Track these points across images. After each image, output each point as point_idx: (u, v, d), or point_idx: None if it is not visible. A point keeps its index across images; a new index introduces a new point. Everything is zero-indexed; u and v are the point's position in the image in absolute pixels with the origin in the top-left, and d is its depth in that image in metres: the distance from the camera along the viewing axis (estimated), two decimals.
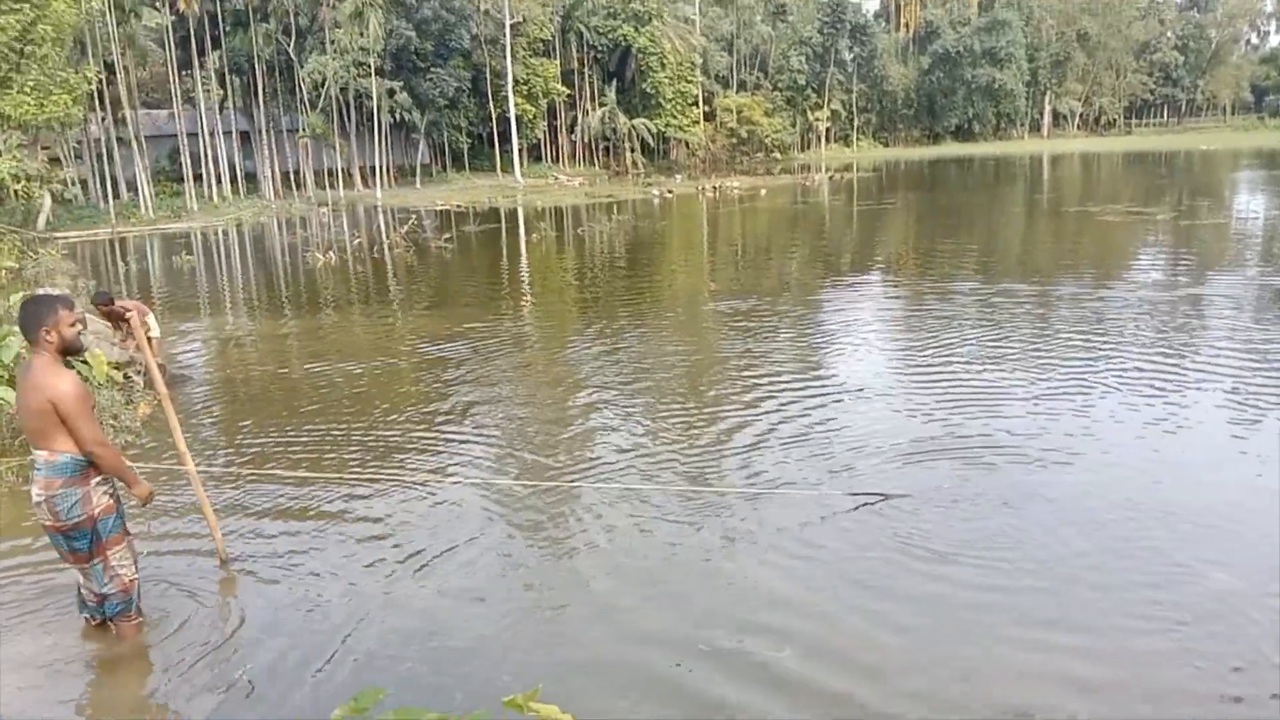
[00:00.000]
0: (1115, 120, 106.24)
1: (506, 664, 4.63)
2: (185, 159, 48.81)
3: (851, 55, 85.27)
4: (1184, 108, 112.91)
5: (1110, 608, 5.00)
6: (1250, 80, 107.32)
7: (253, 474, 7.33)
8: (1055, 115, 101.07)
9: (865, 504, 6.33)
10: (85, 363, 8.62)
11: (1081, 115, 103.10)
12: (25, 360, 4.75)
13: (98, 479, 4.65)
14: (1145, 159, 58.82)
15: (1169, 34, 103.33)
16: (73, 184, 41.98)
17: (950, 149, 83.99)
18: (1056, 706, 4.19)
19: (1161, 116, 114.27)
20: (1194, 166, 50.13)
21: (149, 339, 11.90)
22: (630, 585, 5.41)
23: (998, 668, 4.51)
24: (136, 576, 4.86)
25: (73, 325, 4.61)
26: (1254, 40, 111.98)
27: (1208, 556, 5.53)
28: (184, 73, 53.39)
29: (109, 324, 11.11)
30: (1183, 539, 5.77)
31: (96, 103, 42.62)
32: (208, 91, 53.29)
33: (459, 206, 43.02)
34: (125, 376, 10.61)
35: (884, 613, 5.05)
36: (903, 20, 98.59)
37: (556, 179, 62.86)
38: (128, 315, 11.27)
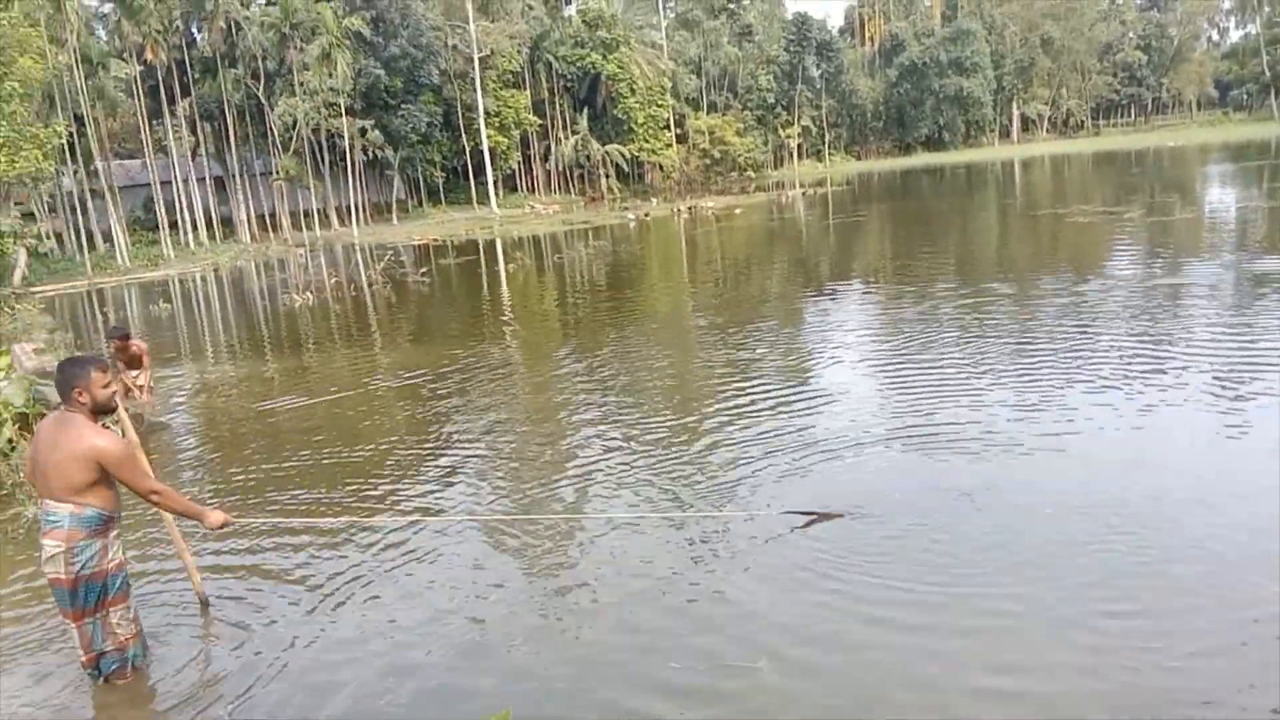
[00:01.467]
0: (1083, 122, 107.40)
1: (477, 695, 4.64)
2: (160, 207, 48.79)
3: (819, 71, 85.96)
4: (1150, 106, 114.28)
5: (1057, 641, 4.64)
6: (1214, 76, 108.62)
7: (236, 515, 7.31)
8: (1024, 120, 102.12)
9: (804, 524, 6.19)
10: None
11: (1049, 119, 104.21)
12: (54, 416, 4.81)
13: (115, 533, 4.75)
14: (1114, 158, 59.39)
15: (1131, 34, 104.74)
16: (48, 238, 41.92)
17: (921, 159, 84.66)
18: None
19: (1129, 116, 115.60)
20: (1162, 163, 50.69)
21: (139, 386, 11.94)
22: (591, 618, 5.35)
23: None
24: (134, 634, 4.88)
25: (105, 386, 4.75)
26: (1215, 37, 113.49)
27: (1195, 575, 5.17)
28: (155, 121, 53.46)
29: (122, 363, 10.96)
30: (1167, 553, 5.47)
31: (68, 156, 42.57)
32: (179, 139, 53.36)
33: (436, 241, 43.05)
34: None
35: (805, 662, 4.72)
36: (868, 34, 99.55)
37: (532, 208, 63.03)
38: (144, 355, 11.20)
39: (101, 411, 4.77)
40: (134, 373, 11.20)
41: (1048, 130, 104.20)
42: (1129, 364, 9.59)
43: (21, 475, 7.74)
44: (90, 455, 4.55)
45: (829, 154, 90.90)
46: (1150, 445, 7.22)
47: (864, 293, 17.14)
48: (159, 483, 4.90)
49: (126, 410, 9.83)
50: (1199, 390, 8.42)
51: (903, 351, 11.45)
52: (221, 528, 5.08)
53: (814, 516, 6.28)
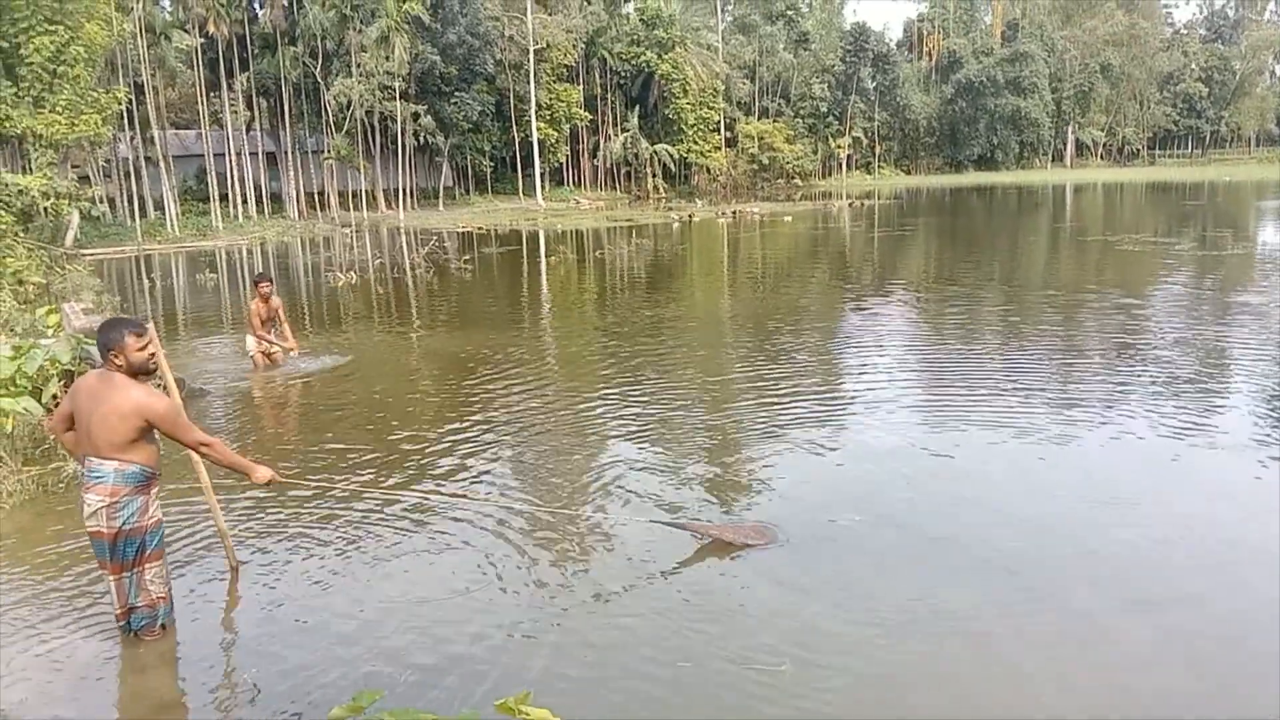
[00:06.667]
0: (1139, 151, 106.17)
1: (503, 674, 4.67)
2: (211, 178, 49.49)
3: (874, 83, 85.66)
4: (1208, 139, 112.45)
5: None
6: (1276, 112, 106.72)
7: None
8: (1079, 145, 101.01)
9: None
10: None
11: (1105, 145, 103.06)
12: (97, 373, 4.87)
13: (155, 490, 4.85)
14: (1168, 189, 58.58)
15: (1193, 65, 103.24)
16: (101, 202, 42.56)
17: (972, 177, 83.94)
18: None
19: (1185, 148, 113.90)
20: (1217, 197, 49.88)
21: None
22: (606, 616, 5.42)
23: None
24: (165, 595, 4.98)
25: (141, 350, 4.79)
26: (1279, 72, 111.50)
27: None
28: (212, 94, 54.15)
29: (261, 308, 12.12)
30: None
31: (126, 122, 43.32)
32: (235, 112, 54.06)
33: (480, 229, 43.26)
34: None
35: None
36: (925, 49, 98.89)
37: (578, 203, 63.26)
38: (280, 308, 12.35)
39: (138, 373, 4.80)
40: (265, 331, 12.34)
41: (1102, 157, 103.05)
42: (1160, 392, 9.47)
43: None
44: (137, 411, 4.64)
45: (879, 167, 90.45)
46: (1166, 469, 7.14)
47: (906, 309, 17.00)
48: (207, 437, 4.96)
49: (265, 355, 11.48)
50: (1232, 423, 8.31)
51: (933, 365, 11.41)
52: (268, 484, 5.17)
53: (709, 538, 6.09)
